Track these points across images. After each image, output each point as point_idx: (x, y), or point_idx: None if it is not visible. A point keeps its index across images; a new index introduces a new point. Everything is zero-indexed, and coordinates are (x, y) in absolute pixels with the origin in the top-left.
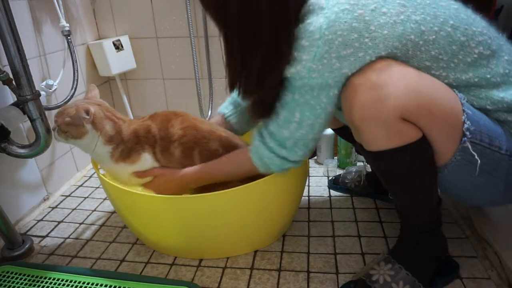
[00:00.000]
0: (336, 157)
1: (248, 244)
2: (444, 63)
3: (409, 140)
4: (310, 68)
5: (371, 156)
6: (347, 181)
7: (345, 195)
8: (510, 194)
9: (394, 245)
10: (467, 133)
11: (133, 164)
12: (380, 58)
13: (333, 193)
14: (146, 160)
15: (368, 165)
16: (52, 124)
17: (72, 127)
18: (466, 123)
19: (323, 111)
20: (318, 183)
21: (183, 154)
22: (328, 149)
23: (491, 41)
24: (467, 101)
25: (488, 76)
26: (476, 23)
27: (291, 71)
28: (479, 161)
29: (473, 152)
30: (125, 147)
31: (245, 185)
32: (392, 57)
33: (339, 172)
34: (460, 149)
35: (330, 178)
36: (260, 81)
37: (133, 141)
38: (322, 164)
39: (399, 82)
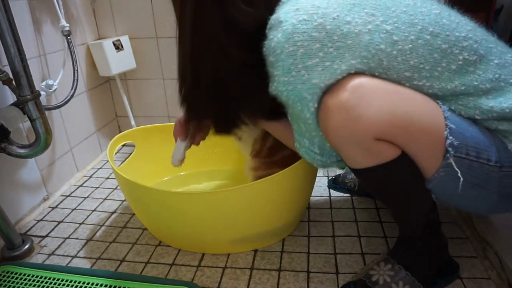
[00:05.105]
0: None
1: (250, 242)
2: (426, 72)
3: (387, 159)
4: (284, 81)
5: (354, 172)
6: (346, 181)
7: (345, 195)
8: (505, 204)
9: (393, 245)
10: (450, 149)
11: None
12: (354, 74)
13: (333, 193)
14: None
15: None
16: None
17: None
18: (449, 139)
19: (314, 125)
20: (318, 183)
21: None
22: None
23: (477, 45)
24: (454, 111)
25: (476, 83)
26: (460, 28)
27: (272, 89)
28: (461, 179)
29: (457, 169)
30: None
31: (252, 182)
32: (367, 68)
33: (339, 172)
34: (444, 165)
35: (329, 178)
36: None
37: None
38: None
39: (372, 101)
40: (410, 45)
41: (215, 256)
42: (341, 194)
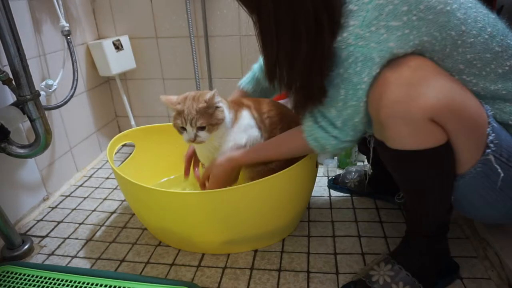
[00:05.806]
0: (336, 157)
1: (250, 242)
2: (476, 69)
3: (434, 144)
4: (357, 34)
5: (393, 154)
6: (346, 181)
7: (345, 195)
8: None
9: (396, 246)
10: (491, 145)
11: (237, 121)
12: (414, 53)
13: (333, 193)
14: (245, 117)
15: (370, 166)
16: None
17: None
18: (491, 135)
19: (364, 92)
20: (318, 183)
21: (270, 127)
22: None
23: None
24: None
25: None
26: (511, 36)
27: (339, 39)
28: (502, 174)
29: (496, 165)
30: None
31: (251, 182)
32: (431, 50)
33: (339, 172)
34: (482, 161)
35: (329, 178)
36: (308, 62)
37: (235, 107)
38: (322, 164)
39: (433, 82)
40: (472, 39)
41: (215, 256)
42: (341, 194)
